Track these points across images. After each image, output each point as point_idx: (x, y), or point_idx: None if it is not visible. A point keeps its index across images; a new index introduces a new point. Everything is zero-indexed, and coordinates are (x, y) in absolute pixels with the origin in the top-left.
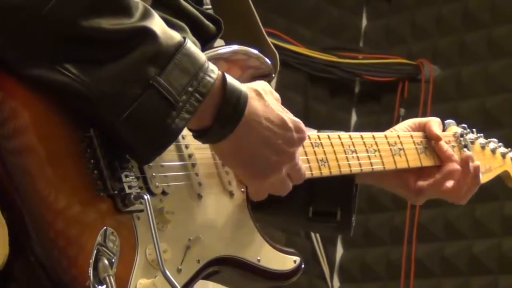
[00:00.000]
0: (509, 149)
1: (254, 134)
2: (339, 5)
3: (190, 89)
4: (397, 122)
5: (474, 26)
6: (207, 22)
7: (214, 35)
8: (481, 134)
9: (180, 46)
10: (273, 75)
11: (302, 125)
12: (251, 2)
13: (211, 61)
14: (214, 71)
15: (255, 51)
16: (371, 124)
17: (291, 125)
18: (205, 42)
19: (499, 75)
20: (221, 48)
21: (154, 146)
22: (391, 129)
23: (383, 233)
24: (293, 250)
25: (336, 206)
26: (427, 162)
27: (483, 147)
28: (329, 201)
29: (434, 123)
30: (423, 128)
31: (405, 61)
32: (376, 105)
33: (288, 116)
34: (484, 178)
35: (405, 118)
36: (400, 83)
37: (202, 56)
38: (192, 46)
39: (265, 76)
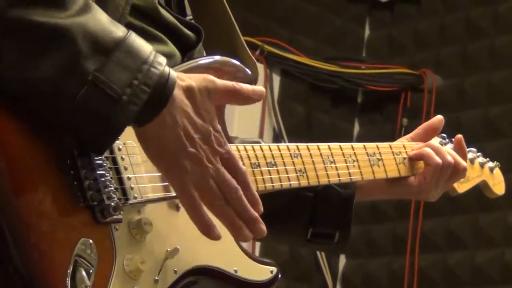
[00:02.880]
0: (487, 159)
1: (177, 124)
2: (342, 15)
3: (135, 82)
4: (400, 131)
5: (477, 36)
6: (186, 31)
7: (194, 43)
8: None
9: (120, 41)
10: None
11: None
12: (230, 12)
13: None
14: (161, 64)
15: (236, 62)
16: (373, 134)
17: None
18: (186, 51)
19: (502, 85)
20: (202, 58)
21: (100, 143)
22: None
23: (385, 243)
24: (270, 260)
25: (336, 229)
26: (405, 172)
27: None
28: (328, 223)
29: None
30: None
31: (407, 71)
32: (379, 115)
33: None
34: (462, 188)
35: (408, 128)
36: (403, 93)
37: (146, 49)
38: (135, 40)
39: None
